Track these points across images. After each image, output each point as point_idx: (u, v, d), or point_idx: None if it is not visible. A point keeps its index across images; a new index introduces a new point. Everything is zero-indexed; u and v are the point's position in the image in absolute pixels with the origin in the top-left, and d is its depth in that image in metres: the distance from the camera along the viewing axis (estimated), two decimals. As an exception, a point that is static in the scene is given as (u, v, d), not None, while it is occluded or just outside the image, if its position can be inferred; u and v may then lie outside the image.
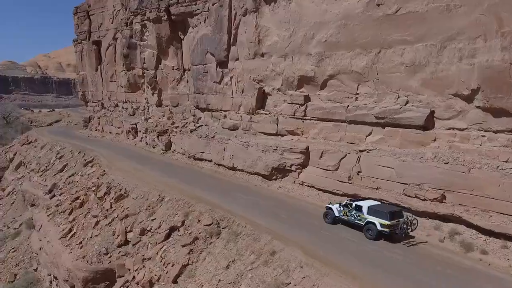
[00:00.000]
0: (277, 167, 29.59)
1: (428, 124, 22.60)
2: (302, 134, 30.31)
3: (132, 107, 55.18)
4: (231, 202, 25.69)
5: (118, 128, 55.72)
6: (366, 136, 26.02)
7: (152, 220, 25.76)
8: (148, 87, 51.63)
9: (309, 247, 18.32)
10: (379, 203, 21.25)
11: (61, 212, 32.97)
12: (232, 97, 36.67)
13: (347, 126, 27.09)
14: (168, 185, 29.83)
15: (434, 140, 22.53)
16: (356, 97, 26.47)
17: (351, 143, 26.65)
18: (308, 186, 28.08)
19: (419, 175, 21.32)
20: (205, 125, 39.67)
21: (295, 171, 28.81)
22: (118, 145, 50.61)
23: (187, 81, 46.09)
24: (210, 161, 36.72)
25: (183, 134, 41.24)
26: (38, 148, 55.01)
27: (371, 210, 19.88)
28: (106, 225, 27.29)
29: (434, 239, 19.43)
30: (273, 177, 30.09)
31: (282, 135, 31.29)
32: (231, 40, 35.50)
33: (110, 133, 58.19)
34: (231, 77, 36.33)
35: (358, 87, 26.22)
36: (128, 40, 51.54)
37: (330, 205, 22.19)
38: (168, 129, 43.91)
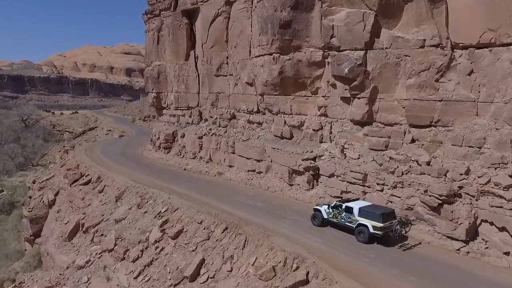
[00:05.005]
0: None
1: None
2: None
3: (286, 122, 29.34)
4: None
5: (257, 162, 29.83)
6: None
7: None
8: (332, 86, 26.12)
9: None
10: (371, 204, 19.54)
11: None
12: None
13: None
14: None
15: None
16: None
17: None
18: None
19: None
20: None
21: None
22: (295, 211, 23.46)
23: (471, 73, 20.43)
24: None
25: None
26: (111, 197, 29.33)
27: (363, 212, 18.49)
28: None
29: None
30: None
31: None
32: None
33: (231, 166, 32.45)
34: None
35: None
36: (296, -7, 26.10)
37: (318, 207, 20.67)
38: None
